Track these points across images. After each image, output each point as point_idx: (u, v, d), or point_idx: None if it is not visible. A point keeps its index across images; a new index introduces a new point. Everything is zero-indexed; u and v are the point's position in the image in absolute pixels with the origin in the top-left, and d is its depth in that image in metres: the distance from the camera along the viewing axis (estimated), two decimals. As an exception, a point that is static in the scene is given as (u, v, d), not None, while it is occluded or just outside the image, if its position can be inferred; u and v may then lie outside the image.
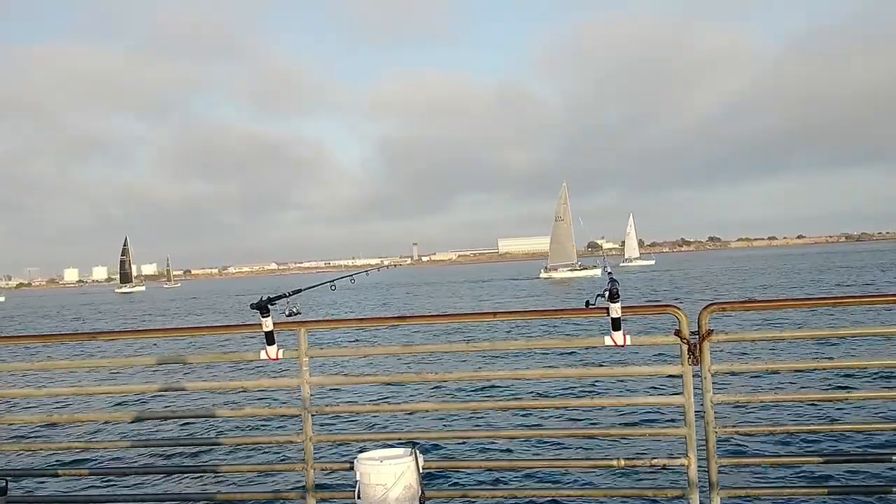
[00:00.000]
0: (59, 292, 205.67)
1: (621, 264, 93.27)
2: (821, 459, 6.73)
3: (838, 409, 10.21)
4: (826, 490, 5.67)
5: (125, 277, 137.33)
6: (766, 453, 8.45)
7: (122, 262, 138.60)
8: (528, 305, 41.62)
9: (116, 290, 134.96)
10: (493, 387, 13.24)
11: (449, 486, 7.06)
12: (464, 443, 9.33)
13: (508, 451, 8.99)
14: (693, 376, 4.35)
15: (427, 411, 11.15)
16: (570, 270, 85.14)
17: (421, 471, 4.18)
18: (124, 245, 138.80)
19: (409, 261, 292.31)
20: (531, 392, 12.81)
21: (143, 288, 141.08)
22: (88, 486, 8.22)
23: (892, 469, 6.61)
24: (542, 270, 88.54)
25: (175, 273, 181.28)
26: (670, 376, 4.53)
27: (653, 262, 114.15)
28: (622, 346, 4.34)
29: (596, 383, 12.92)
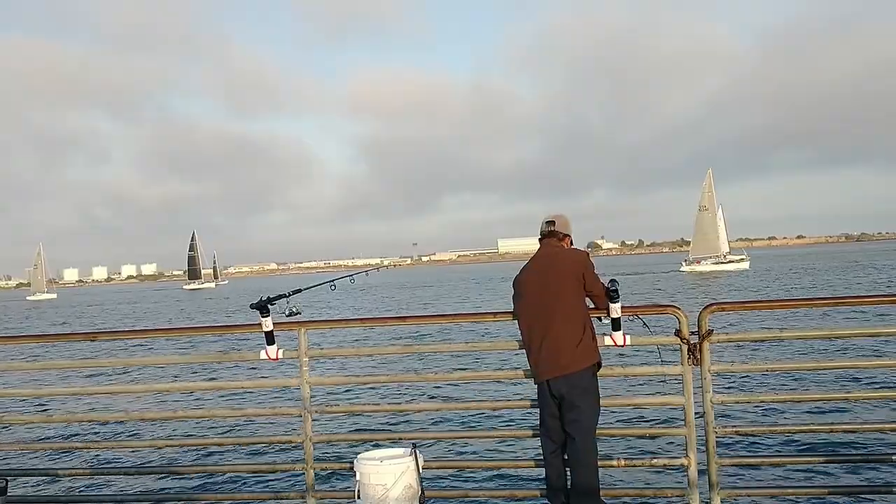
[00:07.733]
0: (101, 290, 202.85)
1: (711, 263, 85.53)
2: (821, 459, 6.74)
3: (838, 409, 10.19)
4: (826, 490, 5.67)
5: (194, 274, 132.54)
6: (766, 453, 8.45)
7: (191, 258, 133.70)
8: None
9: (185, 287, 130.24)
10: (493, 387, 13.22)
11: (449, 486, 7.04)
12: (464, 443, 9.32)
13: (509, 451, 8.98)
14: (693, 376, 4.36)
15: (427, 411, 11.15)
16: (715, 263, 78.09)
17: (421, 471, 4.18)
18: (192, 240, 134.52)
19: (409, 261, 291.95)
20: (532, 392, 12.79)
21: (212, 285, 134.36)
22: (88, 486, 8.22)
23: (892, 469, 6.62)
24: (682, 263, 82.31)
25: (176, 273, 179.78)
26: (670, 376, 4.54)
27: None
28: (622, 346, 4.36)
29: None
